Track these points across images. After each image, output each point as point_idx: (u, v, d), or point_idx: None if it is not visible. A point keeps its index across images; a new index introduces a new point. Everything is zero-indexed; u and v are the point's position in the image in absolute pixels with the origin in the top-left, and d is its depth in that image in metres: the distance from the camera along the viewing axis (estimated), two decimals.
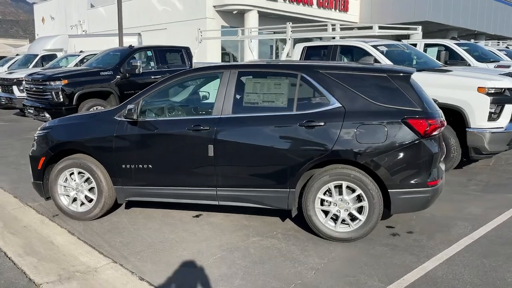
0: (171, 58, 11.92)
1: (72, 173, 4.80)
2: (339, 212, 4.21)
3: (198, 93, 5.19)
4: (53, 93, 9.79)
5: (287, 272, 3.67)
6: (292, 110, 4.24)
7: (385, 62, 7.13)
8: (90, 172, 4.71)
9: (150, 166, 4.55)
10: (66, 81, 9.83)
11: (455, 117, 6.38)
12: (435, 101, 4.70)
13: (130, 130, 4.57)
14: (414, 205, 4.19)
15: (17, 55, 20.64)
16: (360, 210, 4.17)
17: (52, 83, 9.82)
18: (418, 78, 5.26)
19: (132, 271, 3.71)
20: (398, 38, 11.24)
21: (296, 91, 4.29)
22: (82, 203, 4.84)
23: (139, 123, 4.55)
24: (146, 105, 4.63)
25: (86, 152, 4.72)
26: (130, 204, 5.26)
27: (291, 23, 9.45)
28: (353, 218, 4.21)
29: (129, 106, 4.51)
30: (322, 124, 4.11)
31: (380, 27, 9.09)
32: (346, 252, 4.05)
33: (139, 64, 10.45)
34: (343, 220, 4.21)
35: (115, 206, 5.09)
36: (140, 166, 4.57)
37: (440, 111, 4.35)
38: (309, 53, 8.30)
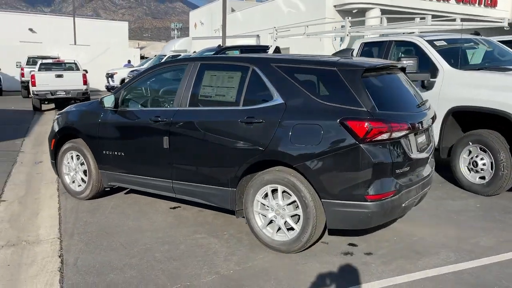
0: None
1: (73, 156, 5.31)
2: (276, 218, 3.84)
3: (171, 85, 5.22)
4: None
5: (187, 272, 3.50)
6: (239, 105, 4.00)
7: (436, 59, 6.13)
8: (83, 156, 5.16)
9: (122, 154, 4.77)
10: None
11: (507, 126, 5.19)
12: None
13: (110, 118, 4.86)
14: (350, 221, 3.57)
15: (154, 55, 23.31)
16: (296, 219, 3.73)
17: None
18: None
19: (61, 249, 3.96)
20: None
21: (245, 85, 4.02)
22: (80, 184, 5.33)
23: (118, 112, 4.81)
24: (126, 95, 4.86)
25: (80, 137, 5.17)
26: (133, 191, 5.56)
27: (350, 17, 8.63)
28: (290, 228, 3.79)
29: (113, 96, 4.81)
30: (261, 121, 3.79)
31: (464, 20, 7.74)
32: (270, 263, 3.67)
33: None
34: (281, 228, 3.82)
35: (119, 190, 5.47)
36: (116, 153, 4.82)
37: (418, 115, 3.70)
38: (366, 49, 7.59)
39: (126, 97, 4.86)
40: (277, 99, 3.79)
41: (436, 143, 5.95)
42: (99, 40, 34.92)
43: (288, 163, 3.67)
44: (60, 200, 5.32)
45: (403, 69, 4.40)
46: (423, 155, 3.94)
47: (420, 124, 3.85)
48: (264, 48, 12.11)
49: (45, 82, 14.96)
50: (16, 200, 5.33)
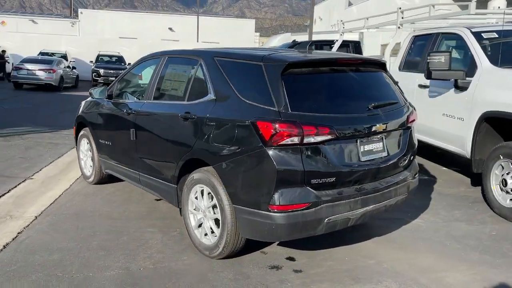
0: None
1: (84, 142, 5.74)
2: (203, 220, 3.64)
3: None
4: None
5: (99, 264, 3.51)
6: (184, 99, 3.88)
7: (477, 54, 5.12)
8: (89, 143, 5.54)
9: (110, 143, 5.01)
10: None
11: None
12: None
13: (102, 109, 5.14)
14: (257, 232, 3.20)
15: None
16: (219, 223, 3.49)
17: None
18: None
19: (27, 226, 4.31)
20: None
21: (192, 79, 3.88)
22: (89, 169, 5.74)
23: (107, 103, 5.06)
24: (117, 88, 5.07)
25: (87, 125, 5.55)
26: None
27: (401, 8, 7.41)
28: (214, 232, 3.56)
29: (105, 88, 5.08)
30: (193, 117, 3.63)
31: None
32: (188, 266, 3.50)
33: None
34: (210, 230, 3.62)
35: None
36: (106, 142, 5.07)
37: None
38: (418, 43, 6.66)
39: (117, 90, 5.07)
40: (210, 95, 3.59)
41: (469, 154, 5.03)
42: (227, 37, 36.87)
43: (209, 163, 3.45)
44: (73, 183, 5.79)
45: (379, 65, 3.80)
46: (373, 165, 3.36)
47: (366, 129, 3.29)
48: (345, 44, 11.56)
49: None
50: (41, 180, 5.95)
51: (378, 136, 3.45)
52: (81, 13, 43.04)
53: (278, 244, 3.87)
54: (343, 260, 3.63)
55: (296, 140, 3.00)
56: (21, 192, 5.38)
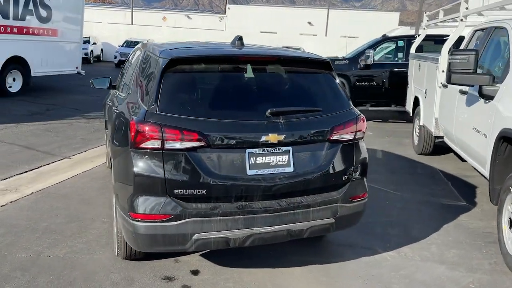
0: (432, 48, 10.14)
1: None
2: None
3: None
4: None
5: (26, 244, 3.71)
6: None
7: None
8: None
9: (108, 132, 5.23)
10: None
11: None
12: None
13: (106, 100, 5.39)
14: (127, 239, 2.97)
15: None
16: None
17: None
18: None
19: (15, 200, 4.76)
20: None
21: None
22: None
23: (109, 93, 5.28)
24: (118, 79, 5.24)
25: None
26: None
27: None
28: None
29: (109, 79, 5.31)
30: (116, 111, 3.56)
31: None
32: (90, 264, 3.47)
33: (369, 54, 9.77)
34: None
35: None
36: (107, 132, 5.32)
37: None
38: (476, 37, 5.40)
39: (118, 81, 5.25)
40: (132, 88, 3.48)
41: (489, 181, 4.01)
42: (368, 31, 35.38)
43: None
44: (96, 166, 6.22)
45: (315, 64, 3.21)
46: (267, 180, 2.87)
47: (256, 140, 2.81)
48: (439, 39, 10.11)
49: None
50: (75, 161, 6.52)
51: (282, 149, 2.92)
52: (229, 8, 45.82)
53: (201, 254, 3.60)
54: (247, 285, 3.20)
55: (157, 144, 2.72)
56: (46, 170, 5.98)
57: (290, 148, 2.94)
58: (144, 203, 2.77)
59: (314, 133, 3.00)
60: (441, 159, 7.14)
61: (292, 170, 2.95)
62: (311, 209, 2.99)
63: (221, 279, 3.26)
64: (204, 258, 3.56)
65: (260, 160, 2.87)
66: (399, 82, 9.40)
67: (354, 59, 10.30)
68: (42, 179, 5.51)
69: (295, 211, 2.94)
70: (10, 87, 11.50)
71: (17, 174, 5.66)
